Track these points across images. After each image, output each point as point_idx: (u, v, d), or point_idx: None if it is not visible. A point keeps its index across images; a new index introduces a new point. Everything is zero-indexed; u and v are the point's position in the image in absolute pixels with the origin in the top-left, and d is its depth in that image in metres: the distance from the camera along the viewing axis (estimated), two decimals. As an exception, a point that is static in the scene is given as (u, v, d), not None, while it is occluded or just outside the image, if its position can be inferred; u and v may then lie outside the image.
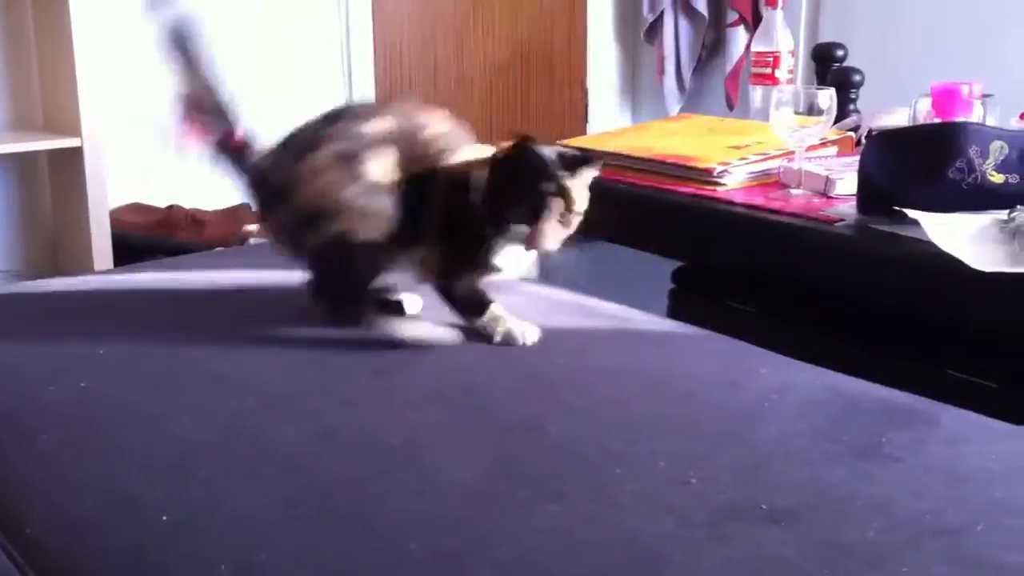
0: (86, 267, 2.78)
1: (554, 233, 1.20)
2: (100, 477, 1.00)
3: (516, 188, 1.19)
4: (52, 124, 2.83)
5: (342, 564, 0.85)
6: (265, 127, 1.44)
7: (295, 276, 1.31)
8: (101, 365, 1.27)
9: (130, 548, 0.88)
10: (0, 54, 2.88)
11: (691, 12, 4.01)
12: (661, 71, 4.07)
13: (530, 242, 1.20)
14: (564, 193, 1.18)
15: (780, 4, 2.34)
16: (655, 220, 1.86)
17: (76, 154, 2.74)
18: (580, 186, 1.20)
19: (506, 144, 1.21)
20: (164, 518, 0.91)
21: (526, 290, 1.56)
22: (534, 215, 1.19)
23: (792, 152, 1.80)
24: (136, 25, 3.28)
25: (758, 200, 1.73)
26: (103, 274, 2.25)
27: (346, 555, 0.86)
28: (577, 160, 1.21)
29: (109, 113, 2.93)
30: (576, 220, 1.21)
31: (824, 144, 1.91)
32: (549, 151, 1.19)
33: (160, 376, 1.25)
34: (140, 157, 3.14)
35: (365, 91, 3.55)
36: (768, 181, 1.82)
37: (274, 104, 2.71)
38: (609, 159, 1.93)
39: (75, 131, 2.73)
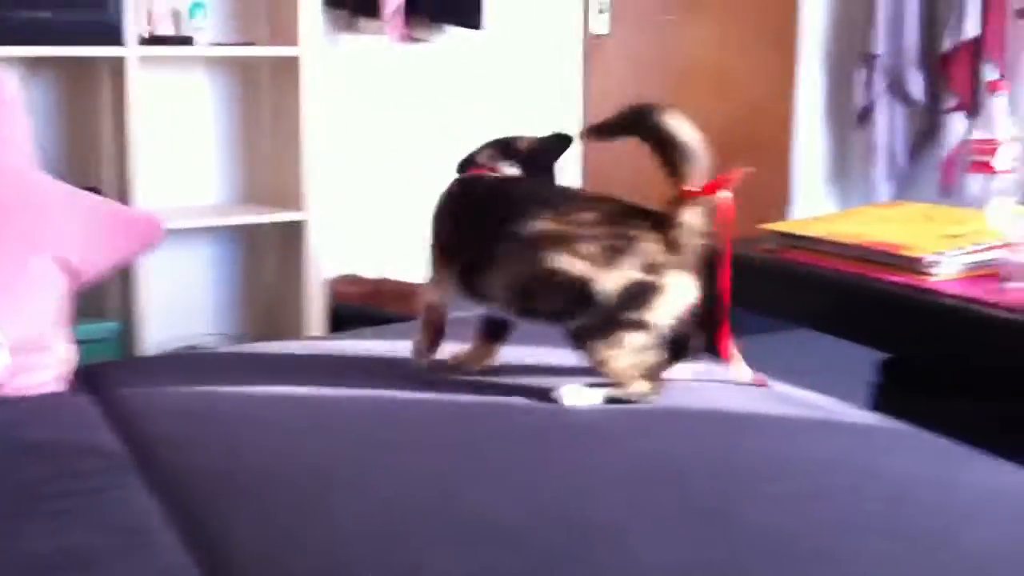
0: (301, 333, 2.94)
1: None
2: (315, 537, 1.04)
3: None
4: (280, 199, 3.04)
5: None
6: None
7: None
8: (317, 425, 1.34)
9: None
10: (239, 137, 3.13)
11: (906, 97, 3.90)
12: (873, 157, 3.97)
13: None
14: None
15: (1003, 90, 2.25)
16: (861, 309, 1.81)
17: (300, 227, 2.93)
18: None
19: None
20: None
21: (724, 375, 1.55)
22: None
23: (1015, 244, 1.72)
24: (354, 117, 3.45)
25: (974, 292, 1.65)
26: (317, 339, 2.38)
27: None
28: None
29: (330, 190, 3.12)
30: None
31: (1049, 236, 1.81)
32: None
33: (374, 439, 1.30)
34: (356, 231, 3.32)
35: (572, 170, 3.63)
36: (987, 273, 1.74)
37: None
38: (814, 244, 1.90)
39: (300, 206, 2.92)
